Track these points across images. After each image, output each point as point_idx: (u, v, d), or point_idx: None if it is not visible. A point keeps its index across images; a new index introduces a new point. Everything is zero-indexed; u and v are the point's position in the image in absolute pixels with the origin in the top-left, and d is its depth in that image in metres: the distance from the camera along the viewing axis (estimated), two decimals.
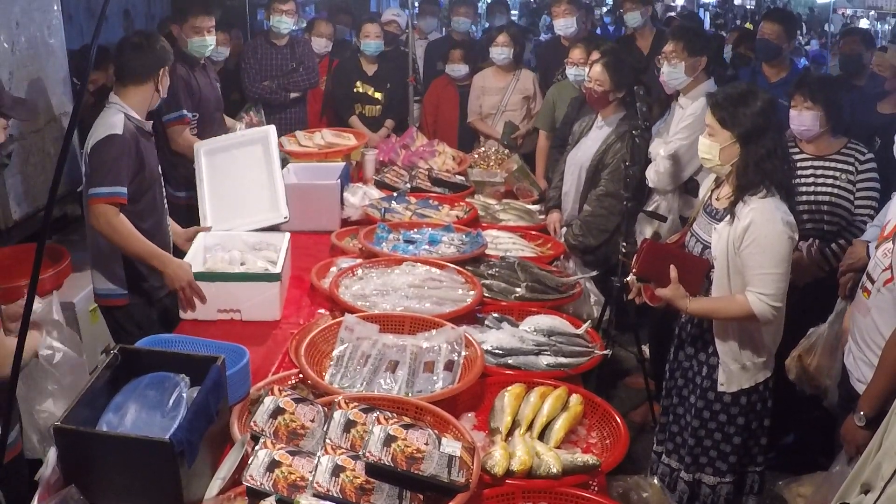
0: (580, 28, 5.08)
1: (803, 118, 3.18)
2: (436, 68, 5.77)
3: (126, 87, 3.00)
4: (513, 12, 10.93)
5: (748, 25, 10.40)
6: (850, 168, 3.19)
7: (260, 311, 2.86)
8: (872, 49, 4.84)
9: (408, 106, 5.54)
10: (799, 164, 3.27)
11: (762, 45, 4.32)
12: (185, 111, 3.96)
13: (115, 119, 2.90)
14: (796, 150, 3.30)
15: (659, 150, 3.62)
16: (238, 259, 3.07)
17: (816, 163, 3.25)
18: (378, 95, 5.40)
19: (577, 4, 5.04)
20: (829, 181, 3.22)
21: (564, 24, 5.04)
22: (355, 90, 5.38)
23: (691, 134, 3.45)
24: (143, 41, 3.05)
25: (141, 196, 2.98)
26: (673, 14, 7.96)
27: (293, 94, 5.25)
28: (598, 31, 8.45)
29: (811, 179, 3.24)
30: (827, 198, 3.21)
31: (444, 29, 7.47)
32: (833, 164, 3.23)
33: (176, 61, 3.84)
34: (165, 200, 3.21)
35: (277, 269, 2.89)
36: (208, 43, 4.04)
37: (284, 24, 5.12)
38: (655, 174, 3.62)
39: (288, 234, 3.21)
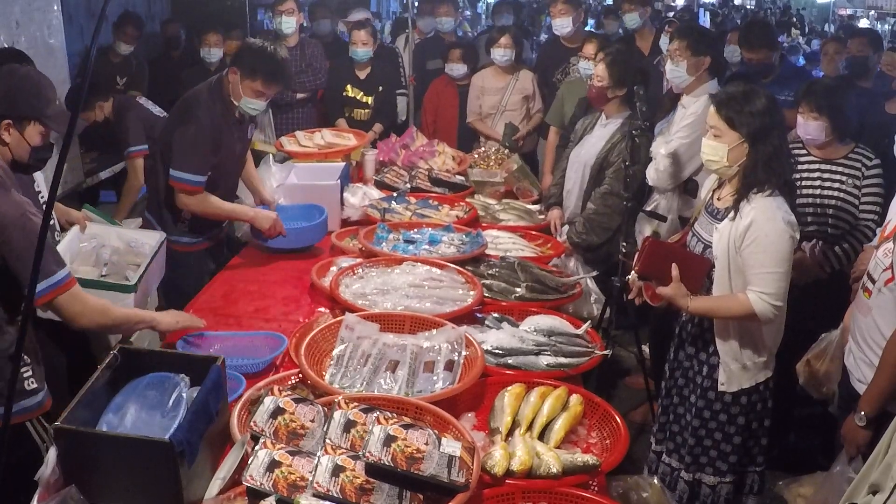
0: (577, 27, 5.09)
1: (809, 128, 3.18)
2: (424, 67, 5.75)
3: None
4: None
5: None
6: (857, 173, 3.20)
7: None
8: (880, 51, 4.88)
9: (395, 109, 5.54)
10: (806, 167, 3.27)
11: (753, 69, 4.32)
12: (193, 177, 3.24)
13: None
14: (804, 151, 3.30)
15: (660, 148, 3.62)
16: (104, 260, 2.84)
17: (824, 166, 3.25)
18: (367, 100, 5.36)
19: (574, 4, 5.06)
20: (836, 185, 3.22)
21: (560, 24, 5.08)
22: (344, 94, 5.33)
23: (692, 133, 3.45)
24: None
25: None
26: (670, 14, 7.98)
27: (300, 95, 5.24)
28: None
29: (818, 182, 3.24)
30: (833, 201, 3.21)
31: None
32: (840, 169, 3.23)
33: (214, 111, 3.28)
34: None
35: (133, 280, 2.70)
36: (259, 107, 3.34)
37: (287, 23, 5.12)
38: (655, 172, 3.62)
39: (162, 236, 3.05)
